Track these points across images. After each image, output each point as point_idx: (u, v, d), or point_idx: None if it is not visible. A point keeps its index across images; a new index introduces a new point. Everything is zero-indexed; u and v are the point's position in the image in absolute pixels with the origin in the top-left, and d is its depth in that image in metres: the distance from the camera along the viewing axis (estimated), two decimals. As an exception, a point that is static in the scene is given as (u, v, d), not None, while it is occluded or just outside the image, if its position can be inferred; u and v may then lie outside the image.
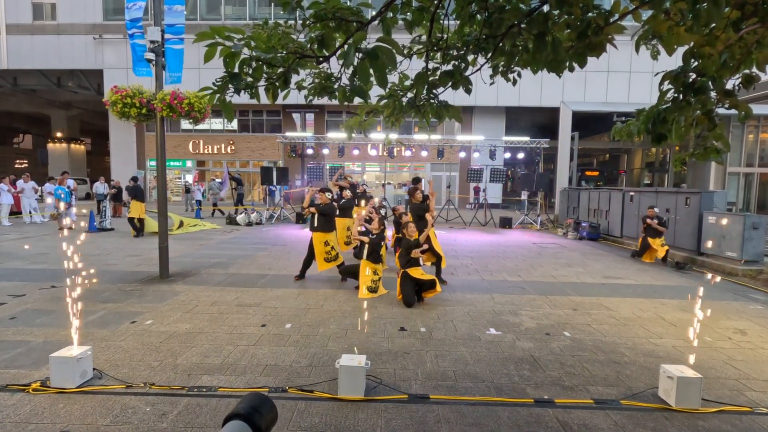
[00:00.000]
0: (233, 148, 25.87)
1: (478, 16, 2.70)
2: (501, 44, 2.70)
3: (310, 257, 6.95)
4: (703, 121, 2.43)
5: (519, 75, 3.20)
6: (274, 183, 16.32)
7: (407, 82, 3.18)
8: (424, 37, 2.91)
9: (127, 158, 25.06)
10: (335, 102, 2.76)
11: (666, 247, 9.31)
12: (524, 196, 17.09)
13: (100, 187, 13.82)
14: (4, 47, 23.45)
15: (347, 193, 8.96)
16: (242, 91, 2.27)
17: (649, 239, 9.45)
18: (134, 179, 12.08)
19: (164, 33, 6.74)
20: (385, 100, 3.18)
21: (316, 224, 6.74)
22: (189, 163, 26.25)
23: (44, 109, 30.54)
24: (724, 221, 8.80)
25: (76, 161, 30.98)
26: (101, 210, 12.88)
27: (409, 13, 2.71)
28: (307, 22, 2.26)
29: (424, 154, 18.31)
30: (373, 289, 6.07)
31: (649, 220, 9.42)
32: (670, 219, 10.27)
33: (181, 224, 12.81)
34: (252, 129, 26.28)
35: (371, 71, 2.16)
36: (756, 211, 19.38)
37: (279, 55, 2.28)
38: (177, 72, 7.06)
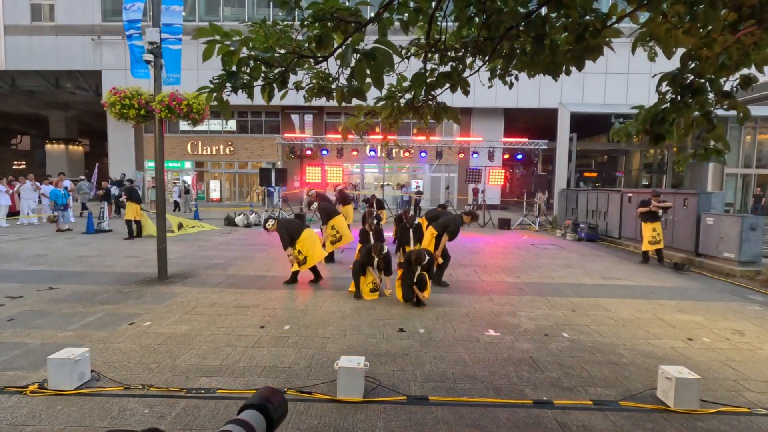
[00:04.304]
0: (232, 149, 25.85)
1: (476, 18, 2.70)
2: (499, 47, 2.70)
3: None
4: (702, 122, 2.44)
5: (516, 78, 3.20)
6: (273, 184, 16.30)
7: (405, 84, 3.18)
8: (422, 39, 2.91)
9: (126, 159, 25.00)
10: (334, 103, 2.76)
11: (656, 246, 9.09)
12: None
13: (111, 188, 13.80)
14: (2, 48, 23.39)
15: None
16: (240, 91, 2.27)
17: (642, 224, 9.25)
18: (129, 181, 12.07)
19: (161, 33, 6.72)
20: (383, 102, 3.18)
21: None
22: (188, 165, 26.22)
23: (42, 110, 30.47)
24: (722, 222, 8.81)
25: (75, 162, 30.91)
26: (100, 211, 12.87)
27: (405, 14, 2.71)
28: (306, 21, 2.25)
29: (422, 155, 18.34)
30: (374, 290, 6.14)
31: (655, 200, 9.06)
32: (667, 219, 10.22)
33: (180, 226, 12.78)
34: (250, 130, 26.25)
35: (368, 72, 2.16)
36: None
37: (277, 54, 2.27)
38: (176, 73, 7.04)
